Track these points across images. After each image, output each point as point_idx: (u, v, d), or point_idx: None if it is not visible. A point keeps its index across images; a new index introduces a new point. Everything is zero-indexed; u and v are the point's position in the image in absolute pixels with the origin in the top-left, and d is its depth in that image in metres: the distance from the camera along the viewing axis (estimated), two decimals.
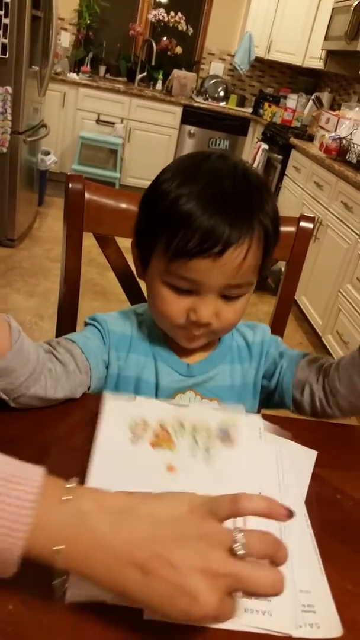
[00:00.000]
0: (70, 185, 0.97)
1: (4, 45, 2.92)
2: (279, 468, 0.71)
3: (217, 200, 0.69)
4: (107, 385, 0.85)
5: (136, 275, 0.87)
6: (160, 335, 0.85)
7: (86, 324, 0.87)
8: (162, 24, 5.16)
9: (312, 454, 0.75)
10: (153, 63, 5.13)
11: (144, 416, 0.71)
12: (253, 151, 4.67)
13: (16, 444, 0.65)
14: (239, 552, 0.44)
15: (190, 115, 5.01)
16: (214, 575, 0.44)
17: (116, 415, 0.70)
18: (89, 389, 0.79)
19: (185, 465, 0.65)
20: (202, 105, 5.06)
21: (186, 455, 0.67)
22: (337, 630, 0.51)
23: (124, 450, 0.65)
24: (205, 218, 0.67)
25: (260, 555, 0.45)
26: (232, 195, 0.70)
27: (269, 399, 0.91)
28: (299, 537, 0.61)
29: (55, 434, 0.70)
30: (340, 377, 0.81)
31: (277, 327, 1.14)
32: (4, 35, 2.90)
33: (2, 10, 2.84)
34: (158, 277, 0.75)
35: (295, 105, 4.94)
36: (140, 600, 0.44)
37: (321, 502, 0.67)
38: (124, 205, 1.01)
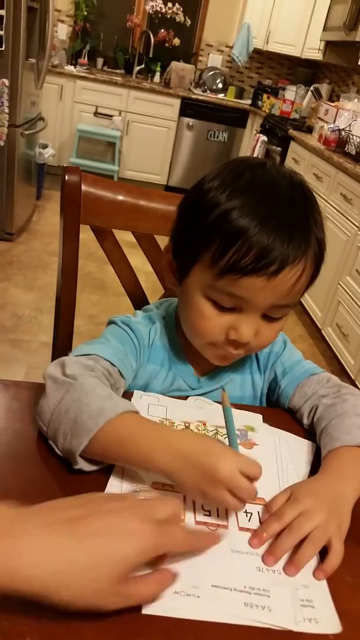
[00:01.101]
0: (66, 177, 0.96)
1: (0, 37, 2.90)
2: (277, 459, 0.71)
3: (274, 215, 0.64)
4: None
5: (167, 284, 0.82)
6: (180, 342, 0.83)
7: (120, 326, 0.81)
8: (159, 15, 5.12)
9: (311, 446, 0.76)
10: (151, 55, 5.10)
11: (170, 415, 0.74)
12: (252, 143, 4.66)
13: (47, 441, 0.64)
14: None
15: (189, 108, 4.98)
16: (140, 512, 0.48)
17: (144, 413, 0.72)
18: None
19: None
20: (200, 97, 5.03)
21: None
22: (336, 625, 0.51)
23: None
24: (263, 234, 0.63)
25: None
26: (289, 211, 0.66)
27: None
28: None
29: None
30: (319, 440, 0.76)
31: None
32: (0, 27, 2.88)
33: None
34: (199, 291, 0.71)
35: (294, 97, 4.91)
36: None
37: None
38: (121, 198, 1.00)
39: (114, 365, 0.72)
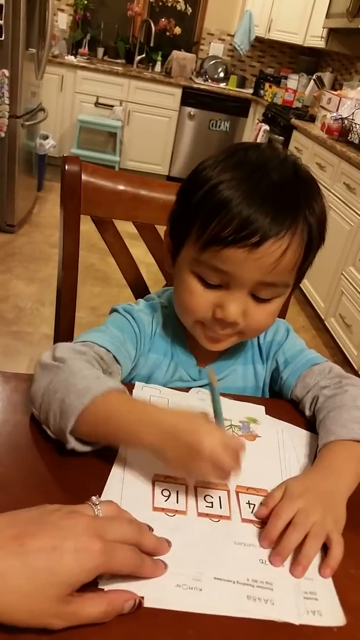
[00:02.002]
0: (66, 167, 0.95)
1: (0, 27, 2.88)
2: (280, 451, 0.71)
3: (260, 189, 0.64)
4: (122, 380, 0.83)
5: (165, 268, 0.82)
6: (181, 332, 0.82)
7: (121, 314, 0.82)
8: (160, 3, 5.08)
9: (313, 438, 0.75)
10: (152, 44, 5.06)
11: (172, 407, 0.73)
12: (254, 132, 4.63)
13: (43, 432, 0.64)
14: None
15: (190, 97, 4.95)
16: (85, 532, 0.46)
17: None
18: None
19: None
20: (202, 87, 4.99)
21: None
22: (339, 618, 0.50)
23: None
24: (244, 205, 0.63)
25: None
26: (277, 186, 0.66)
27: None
28: None
29: None
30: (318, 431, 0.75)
31: (280, 312, 1.13)
32: (0, 17, 2.85)
33: None
34: (187, 267, 0.71)
35: (296, 86, 4.87)
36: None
37: None
38: (121, 187, 0.99)
39: (109, 352, 0.73)
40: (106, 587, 0.48)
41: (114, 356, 0.73)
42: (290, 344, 0.87)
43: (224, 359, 0.85)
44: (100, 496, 0.56)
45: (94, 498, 0.51)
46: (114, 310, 0.83)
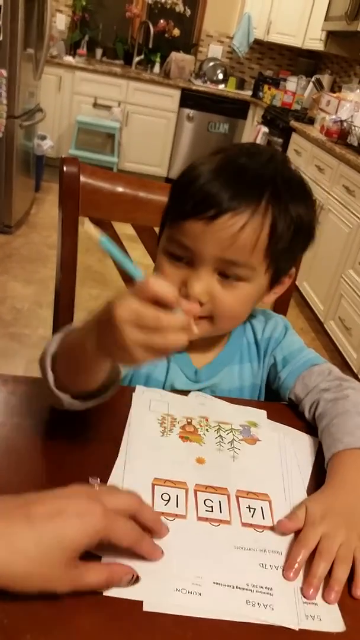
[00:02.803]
0: (64, 168, 0.95)
1: None
2: (281, 455, 0.71)
3: (228, 169, 0.68)
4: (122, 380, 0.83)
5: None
6: None
7: None
8: (159, 5, 5.08)
9: (314, 442, 0.75)
10: (150, 46, 5.06)
11: (172, 411, 0.74)
12: (253, 134, 4.63)
13: (47, 435, 0.65)
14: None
15: (189, 99, 4.95)
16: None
17: (146, 408, 0.74)
18: None
19: (213, 458, 0.67)
20: (200, 88, 4.99)
21: (213, 448, 0.69)
22: (339, 623, 0.50)
23: (155, 442, 0.68)
24: (207, 182, 0.67)
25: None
26: (245, 168, 0.69)
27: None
28: None
29: (87, 426, 0.70)
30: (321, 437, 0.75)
31: (279, 312, 1.13)
32: None
33: None
34: (161, 249, 0.74)
35: (295, 88, 4.88)
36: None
37: None
38: (120, 189, 0.99)
39: None
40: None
41: None
42: (289, 341, 0.87)
43: (220, 358, 0.85)
44: None
45: (91, 479, 0.54)
46: None
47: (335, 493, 0.63)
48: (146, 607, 0.48)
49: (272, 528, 0.59)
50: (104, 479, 0.60)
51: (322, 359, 0.86)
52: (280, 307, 1.13)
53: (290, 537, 0.58)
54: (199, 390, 0.82)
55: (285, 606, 0.50)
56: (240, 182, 0.67)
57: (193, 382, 0.83)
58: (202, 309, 0.72)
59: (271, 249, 0.70)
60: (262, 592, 0.51)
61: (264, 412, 0.78)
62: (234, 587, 0.51)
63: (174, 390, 0.80)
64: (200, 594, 0.50)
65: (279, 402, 0.86)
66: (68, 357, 0.61)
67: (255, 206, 0.67)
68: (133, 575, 0.49)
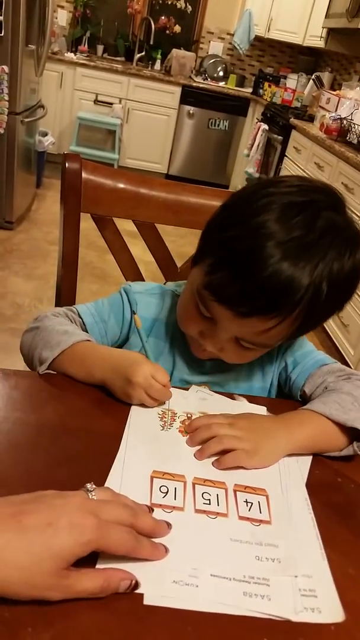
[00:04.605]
0: (67, 165, 0.95)
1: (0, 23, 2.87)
2: None
3: (275, 268, 0.63)
4: None
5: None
6: None
7: (119, 292, 0.89)
8: (160, 1, 5.07)
9: None
10: (151, 42, 5.05)
11: (172, 405, 0.75)
12: (253, 132, 4.63)
13: (48, 429, 0.66)
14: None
15: (190, 96, 4.94)
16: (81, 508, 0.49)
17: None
18: None
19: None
20: (201, 85, 4.99)
21: None
22: (339, 614, 0.51)
23: (155, 436, 0.69)
24: (248, 275, 0.64)
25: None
26: (287, 276, 0.63)
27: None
28: (300, 521, 0.61)
29: (88, 420, 0.71)
30: None
31: None
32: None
33: None
34: (194, 287, 0.74)
35: (295, 85, 4.87)
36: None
37: (322, 485, 0.67)
38: (121, 185, 0.99)
39: (84, 324, 0.84)
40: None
41: (87, 330, 0.83)
42: (299, 344, 0.87)
43: None
44: None
45: (88, 485, 0.52)
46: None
47: (270, 420, 0.72)
48: (147, 601, 0.48)
49: (268, 522, 0.59)
50: (105, 471, 0.61)
51: (332, 359, 0.86)
52: None
53: (287, 531, 0.59)
54: (205, 383, 0.83)
55: (283, 597, 0.51)
56: (279, 289, 0.64)
57: (201, 373, 0.84)
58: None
59: (298, 331, 0.72)
60: (259, 584, 0.52)
61: (263, 408, 0.78)
62: (230, 579, 0.52)
63: (176, 386, 0.81)
64: (197, 586, 0.50)
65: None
66: (73, 372, 0.75)
67: (290, 312, 0.66)
68: (132, 582, 0.48)
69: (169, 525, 0.55)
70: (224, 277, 0.67)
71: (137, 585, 0.48)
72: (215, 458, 0.66)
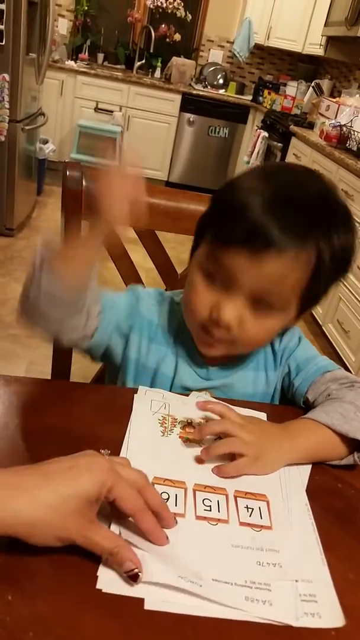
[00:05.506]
0: (67, 173, 0.96)
1: (0, 31, 2.89)
2: None
3: (279, 202, 0.66)
4: (127, 372, 0.84)
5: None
6: (187, 330, 0.83)
7: (129, 291, 0.89)
8: (160, 10, 5.10)
9: None
10: (151, 50, 5.08)
11: (173, 411, 0.75)
12: (253, 139, 4.65)
13: (49, 435, 0.66)
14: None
15: (190, 103, 4.96)
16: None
17: (147, 409, 0.75)
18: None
19: (212, 459, 0.67)
20: (201, 93, 5.01)
21: None
22: (339, 619, 0.51)
23: (156, 442, 0.69)
24: (258, 211, 0.65)
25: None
26: (297, 203, 0.67)
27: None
28: (301, 526, 0.61)
29: (88, 425, 0.71)
30: None
31: None
32: (0, 22, 2.87)
33: None
34: (197, 263, 0.74)
35: (295, 93, 4.89)
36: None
37: (322, 491, 0.67)
38: None
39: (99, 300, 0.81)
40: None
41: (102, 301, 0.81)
42: (302, 350, 0.87)
43: (232, 364, 0.84)
44: None
45: (102, 451, 0.57)
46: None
47: (275, 429, 0.71)
48: (148, 606, 0.48)
49: (269, 527, 0.60)
50: None
51: (336, 365, 0.86)
52: None
53: (287, 536, 0.59)
54: (208, 389, 0.83)
55: (284, 602, 0.51)
56: (291, 217, 0.66)
57: (203, 379, 0.83)
58: (228, 334, 0.73)
59: (311, 286, 0.71)
60: (260, 589, 0.52)
61: (263, 414, 0.78)
62: (232, 584, 0.52)
63: (176, 392, 0.81)
64: (201, 585, 0.50)
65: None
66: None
67: (303, 244, 0.67)
68: (135, 569, 0.49)
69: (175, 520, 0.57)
70: (229, 222, 0.68)
71: (138, 576, 0.49)
72: (216, 465, 0.66)
